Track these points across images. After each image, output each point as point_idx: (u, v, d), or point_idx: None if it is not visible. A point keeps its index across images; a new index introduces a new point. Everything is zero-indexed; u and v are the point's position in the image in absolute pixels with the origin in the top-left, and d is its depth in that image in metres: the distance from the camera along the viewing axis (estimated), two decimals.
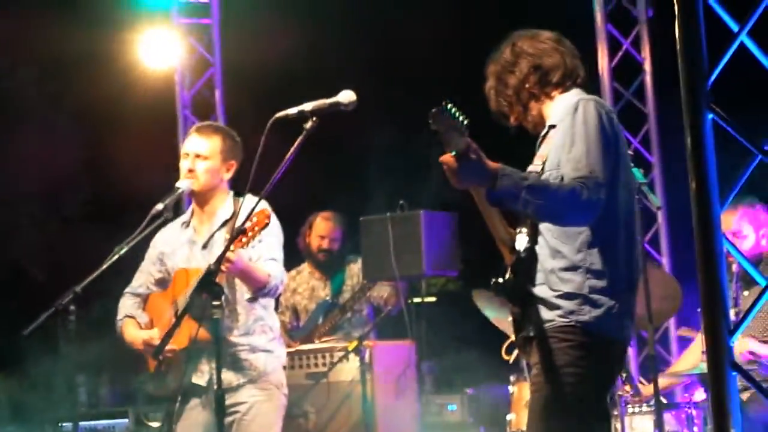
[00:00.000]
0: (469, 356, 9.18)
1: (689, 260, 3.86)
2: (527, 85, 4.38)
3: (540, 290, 4.21)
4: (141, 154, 9.59)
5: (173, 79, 10.96)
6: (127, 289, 6.00)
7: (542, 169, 4.23)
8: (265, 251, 5.67)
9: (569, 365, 4.12)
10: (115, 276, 5.69)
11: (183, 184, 5.77)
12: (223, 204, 5.85)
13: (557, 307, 4.16)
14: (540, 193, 3.98)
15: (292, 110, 4.80)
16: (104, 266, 5.42)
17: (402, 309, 7.57)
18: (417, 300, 7.91)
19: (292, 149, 4.73)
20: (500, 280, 4.22)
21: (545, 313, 4.17)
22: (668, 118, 9.44)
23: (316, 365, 7.41)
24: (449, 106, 3.82)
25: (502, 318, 6.56)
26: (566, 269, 4.17)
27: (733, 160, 4.10)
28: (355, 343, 7.18)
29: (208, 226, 5.85)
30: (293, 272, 8.35)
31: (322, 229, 8.27)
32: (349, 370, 7.29)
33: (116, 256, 5.45)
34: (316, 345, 7.63)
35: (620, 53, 9.58)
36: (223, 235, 5.69)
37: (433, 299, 9.51)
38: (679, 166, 3.91)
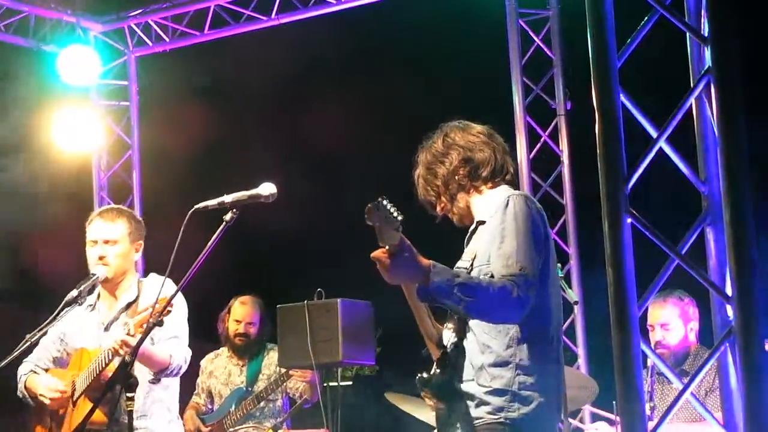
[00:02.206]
0: None
1: (605, 349, 3.88)
2: (456, 177, 4.38)
3: (468, 386, 4.17)
4: (55, 236, 9.47)
5: (90, 161, 10.89)
6: (26, 359, 5.90)
7: (471, 264, 4.23)
8: (167, 330, 5.55)
9: None
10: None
11: (98, 270, 5.71)
12: (129, 287, 5.80)
13: (486, 404, 4.12)
14: (471, 290, 3.97)
15: (212, 202, 4.77)
16: (15, 353, 5.37)
17: (318, 401, 7.49)
18: (333, 384, 7.85)
19: (211, 241, 4.68)
20: (425, 375, 4.19)
21: (473, 410, 4.14)
22: (585, 210, 9.54)
23: None
24: (384, 202, 3.83)
25: (418, 411, 6.54)
26: (495, 365, 4.13)
27: (652, 257, 4.15)
28: None
29: (113, 309, 5.80)
30: (212, 355, 8.28)
31: (239, 313, 8.20)
32: None
33: (28, 343, 5.41)
34: None
35: (538, 144, 9.69)
36: (124, 318, 5.63)
37: (348, 383, 9.48)
38: (596, 257, 3.95)
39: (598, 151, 3.66)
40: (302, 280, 8.04)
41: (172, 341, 5.60)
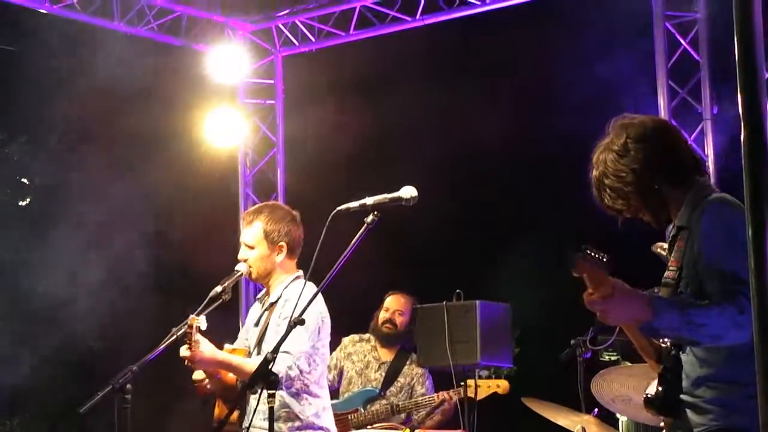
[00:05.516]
0: None
1: None
2: (643, 180, 4.05)
3: (688, 397, 4.03)
4: (202, 229, 9.69)
5: (237, 158, 11.12)
6: None
7: (679, 275, 4.02)
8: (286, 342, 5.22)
9: None
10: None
11: (242, 267, 5.79)
12: (280, 286, 5.80)
13: (706, 412, 3.98)
14: (700, 317, 3.77)
15: (354, 204, 4.81)
16: (161, 346, 5.38)
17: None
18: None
19: (352, 243, 4.74)
20: (649, 395, 4.08)
21: (696, 418, 4.00)
22: None
23: None
24: (587, 250, 3.66)
25: (555, 415, 6.54)
26: (712, 378, 3.98)
27: None
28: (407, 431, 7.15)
29: (264, 306, 5.91)
30: (356, 337, 8.37)
31: (391, 302, 8.31)
32: None
33: (173, 337, 5.39)
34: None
35: None
36: (266, 317, 5.73)
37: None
38: None
39: (743, 165, 3.60)
40: (443, 281, 8.08)
41: (281, 355, 5.23)
